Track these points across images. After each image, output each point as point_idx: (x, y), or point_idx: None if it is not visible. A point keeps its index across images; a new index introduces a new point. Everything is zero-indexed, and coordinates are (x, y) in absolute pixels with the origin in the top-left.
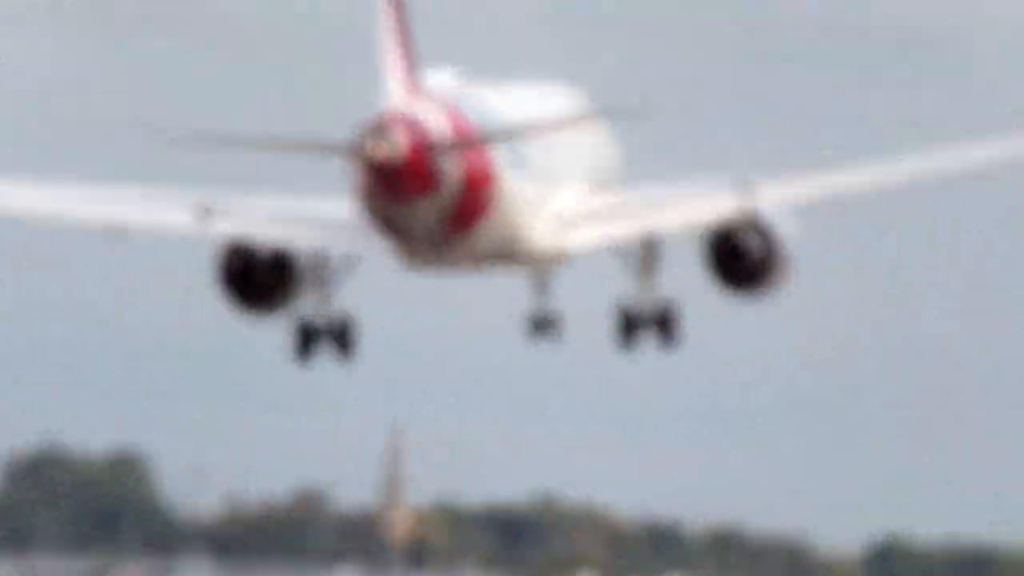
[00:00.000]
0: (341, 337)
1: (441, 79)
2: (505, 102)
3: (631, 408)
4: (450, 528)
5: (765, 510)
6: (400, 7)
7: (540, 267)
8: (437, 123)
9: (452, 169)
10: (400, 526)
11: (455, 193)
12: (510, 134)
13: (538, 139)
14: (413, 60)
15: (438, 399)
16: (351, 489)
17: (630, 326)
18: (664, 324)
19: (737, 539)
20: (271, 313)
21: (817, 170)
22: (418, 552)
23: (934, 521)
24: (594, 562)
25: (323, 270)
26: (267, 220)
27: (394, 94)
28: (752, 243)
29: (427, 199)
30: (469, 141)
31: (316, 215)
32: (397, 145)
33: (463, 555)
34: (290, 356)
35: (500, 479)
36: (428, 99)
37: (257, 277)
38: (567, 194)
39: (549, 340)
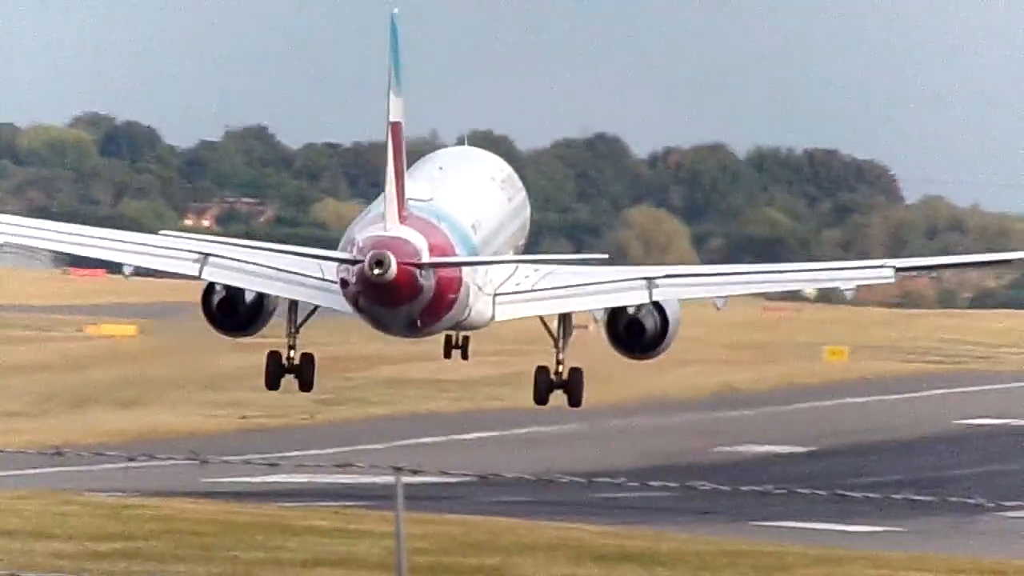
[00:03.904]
0: (303, 373)
1: (417, 192)
2: (470, 206)
3: None
4: None
5: None
6: (398, 142)
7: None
8: (421, 247)
9: (429, 281)
10: None
11: (430, 297)
12: (480, 252)
13: (490, 226)
14: (404, 185)
15: None
16: None
17: (546, 387)
18: (572, 388)
19: None
20: (246, 335)
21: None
22: None
23: None
24: None
25: (294, 314)
26: (254, 274)
27: (390, 221)
28: (650, 324)
29: (407, 305)
30: (445, 261)
31: (299, 274)
32: (391, 271)
33: None
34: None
35: None
36: (413, 222)
37: (236, 313)
38: (500, 269)
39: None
